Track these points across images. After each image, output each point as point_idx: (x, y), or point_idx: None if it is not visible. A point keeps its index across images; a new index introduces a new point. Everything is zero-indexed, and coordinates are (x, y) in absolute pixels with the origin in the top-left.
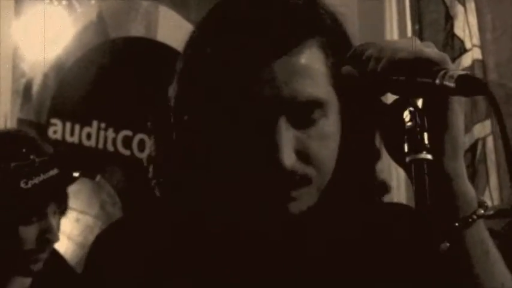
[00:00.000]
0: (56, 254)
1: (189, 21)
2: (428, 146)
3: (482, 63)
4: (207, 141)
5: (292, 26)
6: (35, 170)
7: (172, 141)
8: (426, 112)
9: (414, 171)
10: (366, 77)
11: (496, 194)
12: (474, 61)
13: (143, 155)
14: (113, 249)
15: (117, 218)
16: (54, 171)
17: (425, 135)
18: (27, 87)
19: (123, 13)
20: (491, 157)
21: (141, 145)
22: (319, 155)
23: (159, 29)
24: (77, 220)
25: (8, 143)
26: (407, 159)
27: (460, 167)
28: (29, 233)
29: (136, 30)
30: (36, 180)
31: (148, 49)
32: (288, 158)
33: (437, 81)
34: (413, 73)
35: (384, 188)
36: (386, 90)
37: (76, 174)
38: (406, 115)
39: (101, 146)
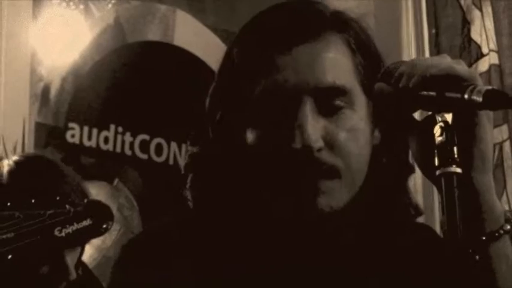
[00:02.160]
0: (84, 267)
1: (206, 26)
2: (458, 159)
3: (499, 68)
4: (240, 141)
5: (316, 19)
6: (69, 219)
7: (211, 149)
8: (456, 127)
9: (444, 184)
10: (398, 93)
11: None
12: (491, 66)
13: (160, 159)
14: (143, 260)
15: (144, 231)
16: (87, 222)
17: (455, 149)
18: (45, 91)
19: (140, 17)
20: (508, 162)
21: (159, 149)
22: (346, 146)
23: (176, 33)
24: None
25: (41, 187)
26: (437, 172)
27: (488, 181)
28: (44, 270)
29: (154, 34)
30: (69, 230)
31: (166, 53)
32: (314, 138)
33: (465, 96)
34: (443, 88)
35: (417, 210)
36: (418, 107)
37: (105, 226)
38: (437, 130)
39: (118, 149)
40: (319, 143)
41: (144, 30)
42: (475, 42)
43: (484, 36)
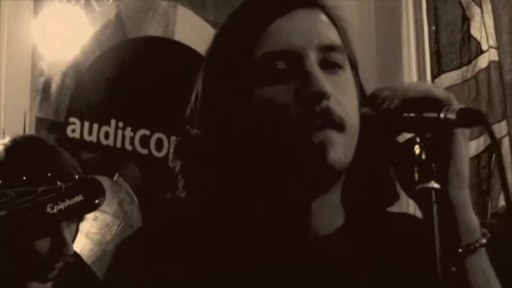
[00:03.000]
0: (76, 256)
1: (207, 21)
2: (436, 176)
3: (498, 64)
4: (239, 106)
5: None
6: (61, 195)
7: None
8: (434, 145)
9: (423, 199)
10: (381, 116)
11: None
12: (490, 62)
13: (160, 154)
14: (136, 258)
15: (139, 226)
16: (79, 198)
17: (434, 166)
18: (46, 86)
19: (142, 13)
20: (507, 158)
21: (159, 144)
22: (346, 103)
23: (176, 29)
24: (95, 218)
25: (33, 165)
26: (417, 188)
27: (464, 196)
28: (43, 246)
29: (155, 30)
30: (61, 206)
31: (166, 49)
32: (324, 83)
33: (441, 115)
34: (422, 109)
35: (394, 196)
36: (400, 129)
37: (97, 201)
38: (416, 149)
39: (118, 144)
40: (329, 89)
41: (145, 25)
42: (475, 39)
43: (483, 33)
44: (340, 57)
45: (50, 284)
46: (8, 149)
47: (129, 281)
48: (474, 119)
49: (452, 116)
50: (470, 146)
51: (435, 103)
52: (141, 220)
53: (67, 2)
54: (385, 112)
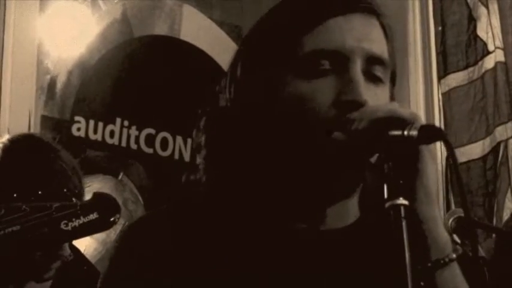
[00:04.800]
0: (77, 251)
1: (213, 20)
2: (404, 192)
3: (505, 65)
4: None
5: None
6: (76, 212)
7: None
8: (401, 163)
9: (392, 215)
10: (351, 137)
11: None
12: (497, 63)
13: (165, 154)
14: (143, 242)
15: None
16: (94, 215)
17: (402, 183)
18: (52, 84)
19: (147, 12)
20: None
21: (164, 143)
22: None
23: (182, 27)
24: None
25: (49, 181)
26: (386, 205)
27: (432, 212)
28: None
29: (160, 28)
30: (76, 223)
31: (172, 47)
32: (364, 94)
33: (405, 132)
34: (387, 128)
35: None
36: (370, 149)
37: (112, 219)
38: (386, 167)
39: (124, 143)
40: (367, 100)
41: (151, 24)
42: (481, 39)
43: (490, 34)
44: (383, 72)
45: (48, 282)
46: (9, 148)
47: (133, 264)
48: (434, 135)
49: (414, 132)
50: (476, 147)
51: (400, 122)
52: None
53: (73, 0)
54: (354, 132)
